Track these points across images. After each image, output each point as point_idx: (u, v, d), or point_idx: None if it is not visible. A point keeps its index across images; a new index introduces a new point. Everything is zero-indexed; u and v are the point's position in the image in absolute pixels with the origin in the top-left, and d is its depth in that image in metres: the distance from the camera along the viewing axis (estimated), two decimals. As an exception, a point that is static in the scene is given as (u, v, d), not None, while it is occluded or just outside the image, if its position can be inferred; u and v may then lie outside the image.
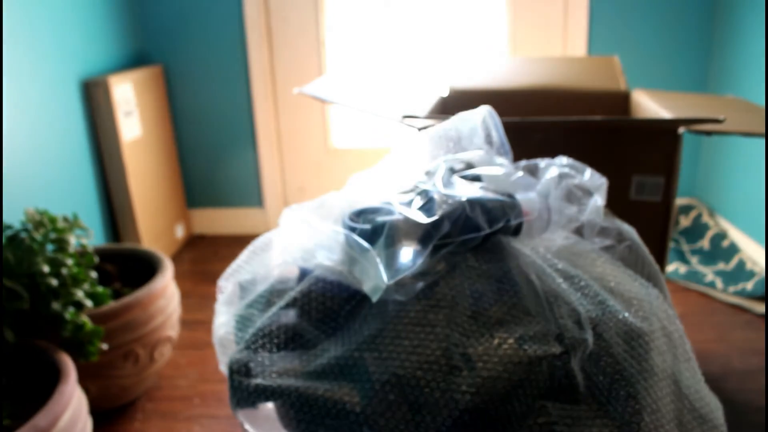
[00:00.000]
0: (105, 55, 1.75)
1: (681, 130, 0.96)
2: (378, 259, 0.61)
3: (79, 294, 1.00)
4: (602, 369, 0.61)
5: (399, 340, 0.60)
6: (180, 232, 2.04)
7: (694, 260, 1.78)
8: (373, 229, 0.63)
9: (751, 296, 1.54)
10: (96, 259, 1.09)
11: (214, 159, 2.10)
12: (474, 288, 0.62)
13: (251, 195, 2.14)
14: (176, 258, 1.98)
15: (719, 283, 1.61)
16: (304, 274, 0.84)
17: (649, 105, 1.14)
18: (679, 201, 2.05)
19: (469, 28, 2.01)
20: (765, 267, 1.62)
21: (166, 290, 1.20)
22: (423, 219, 0.62)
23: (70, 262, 1.00)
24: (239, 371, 0.76)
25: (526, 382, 0.58)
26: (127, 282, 1.28)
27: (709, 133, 0.94)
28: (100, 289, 1.11)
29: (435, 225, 0.62)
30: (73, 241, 1.03)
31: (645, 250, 0.74)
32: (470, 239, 0.63)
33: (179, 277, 1.80)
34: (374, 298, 0.60)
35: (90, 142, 1.64)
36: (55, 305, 0.95)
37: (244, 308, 0.85)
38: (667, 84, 1.95)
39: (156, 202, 1.87)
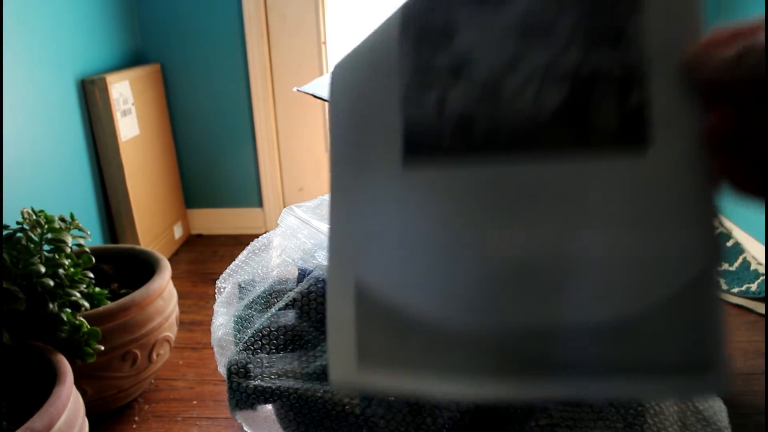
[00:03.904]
0: (102, 53, 1.74)
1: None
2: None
3: (76, 295, 0.99)
4: (606, 371, 0.60)
5: (399, 341, 0.59)
6: (178, 232, 2.04)
7: (695, 260, 1.77)
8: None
9: (756, 297, 1.53)
10: (93, 260, 1.08)
11: (212, 158, 2.09)
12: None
13: (250, 195, 2.13)
14: (174, 258, 1.97)
15: (723, 284, 1.61)
16: (303, 274, 0.83)
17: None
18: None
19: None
20: (765, 269, 1.61)
21: (164, 291, 1.19)
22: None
23: (67, 262, 0.99)
24: (238, 373, 0.75)
25: (529, 384, 0.57)
26: (125, 283, 1.27)
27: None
28: (97, 289, 1.10)
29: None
30: (70, 241, 1.02)
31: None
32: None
33: (177, 277, 1.79)
34: (374, 299, 0.59)
35: (87, 141, 1.63)
36: (52, 306, 0.94)
37: (243, 309, 0.84)
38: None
39: (154, 201, 1.86)
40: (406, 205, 0.28)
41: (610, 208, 0.26)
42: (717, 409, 0.72)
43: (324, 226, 0.70)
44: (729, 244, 1.78)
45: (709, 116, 0.25)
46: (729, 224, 1.88)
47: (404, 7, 0.29)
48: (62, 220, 1.03)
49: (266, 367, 0.75)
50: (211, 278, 1.76)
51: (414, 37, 0.28)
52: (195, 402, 1.24)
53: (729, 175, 0.25)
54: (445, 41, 0.28)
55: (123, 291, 1.23)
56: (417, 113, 0.28)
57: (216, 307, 0.91)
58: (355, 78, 0.30)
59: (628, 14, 0.26)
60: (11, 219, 1.06)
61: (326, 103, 2.05)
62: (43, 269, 0.93)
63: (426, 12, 0.28)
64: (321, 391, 0.71)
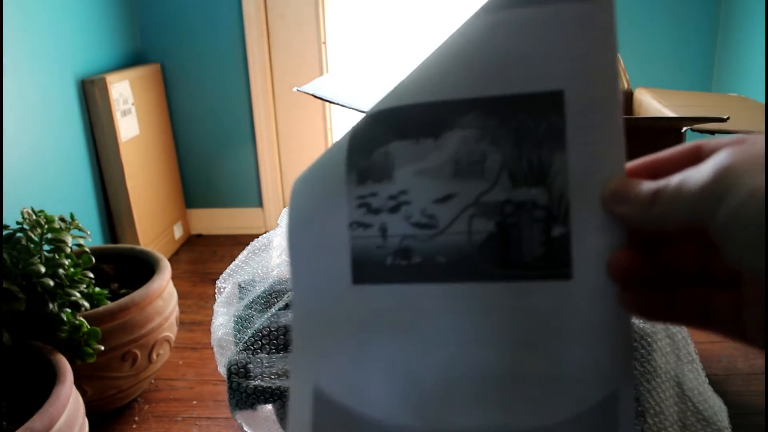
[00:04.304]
0: (102, 53, 1.74)
1: (685, 129, 0.95)
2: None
3: (76, 295, 0.99)
4: (606, 371, 0.60)
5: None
6: (178, 232, 2.04)
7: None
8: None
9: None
10: (93, 260, 1.08)
11: (212, 158, 2.09)
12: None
13: (250, 195, 2.13)
14: (174, 258, 1.97)
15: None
16: (303, 274, 0.83)
17: (652, 104, 1.13)
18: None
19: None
20: (765, 268, 1.60)
21: (163, 291, 1.19)
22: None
23: (66, 262, 0.99)
24: (238, 373, 0.75)
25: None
26: (125, 283, 1.27)
27: (713, 133, 0.93)
28: (97, 289, 1.10)
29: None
30: (70, 241, 1.02)
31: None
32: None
33: (177, 277, 1.79)
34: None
35: (87, 141, 1.63)
36: (52, 306, 0.94)
37: (243, 309, 0.84)
38: (670, 82, 1.94)
39: (154, 201, 1.86)
40: (356, 317, 0.31)
41: (538, 329, 0.28)
42: (717, 409, 0.72)
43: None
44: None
45: (615, 254, 0.27)
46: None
47: (351, 139, 0.32)
48: (62, 220, 1.03)
49: (266, 367, 0.75)
50: (211, 278, 1.76)
51: (357, 170, 0.31)
52: (195, 402, 1.24)
53: (634, 309, 0.27)
54: (385, 175, 0.31)
55: (123, 291, 1.23)
56: (362, 236, 0.31)
57: (216, 307, 0.91)
58: (310, 197, 0.33)
59: (551, 153, 0.28)
60: (11, 219, 1.06)
61: (327, 103, 2.05)
62: (43, 269, 0.93)
63: (368, 146, 0.31)
64: (321, 391, 0.71)
